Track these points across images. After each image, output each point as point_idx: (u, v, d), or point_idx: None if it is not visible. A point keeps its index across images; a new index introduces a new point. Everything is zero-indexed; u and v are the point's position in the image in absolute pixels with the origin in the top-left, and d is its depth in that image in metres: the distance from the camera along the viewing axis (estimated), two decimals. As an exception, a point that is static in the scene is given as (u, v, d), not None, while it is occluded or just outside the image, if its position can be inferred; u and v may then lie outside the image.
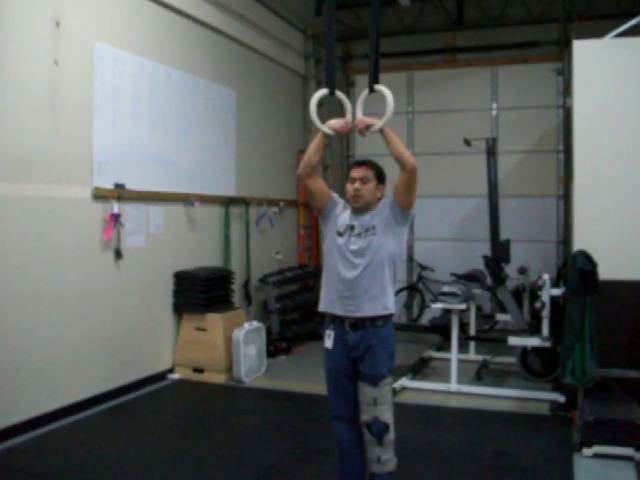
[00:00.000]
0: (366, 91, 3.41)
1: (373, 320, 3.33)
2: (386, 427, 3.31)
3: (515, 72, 9.32)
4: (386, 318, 3.38)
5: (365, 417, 3.33)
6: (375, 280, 3.33)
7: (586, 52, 5.44)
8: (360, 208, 3.41)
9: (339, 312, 3.38)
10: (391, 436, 3.34)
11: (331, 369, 3.46)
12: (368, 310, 3.33)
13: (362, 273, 3.32)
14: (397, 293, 9.49)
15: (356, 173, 3.42)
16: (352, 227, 3.40)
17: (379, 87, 3.35)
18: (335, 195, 3.55)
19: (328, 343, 3.43)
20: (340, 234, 3.41)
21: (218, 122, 7.41)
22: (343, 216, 3.47)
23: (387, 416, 3.34)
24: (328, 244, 3.49)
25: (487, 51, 9.45)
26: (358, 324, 3.34)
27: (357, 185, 3.39)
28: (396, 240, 3.40)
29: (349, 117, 3.46)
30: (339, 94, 3.51)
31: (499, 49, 9.36)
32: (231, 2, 7.45)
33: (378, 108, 3.42)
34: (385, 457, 3.32)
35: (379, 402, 3.31)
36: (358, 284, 3.32)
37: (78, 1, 5.33)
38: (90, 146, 5.46)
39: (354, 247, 3.35)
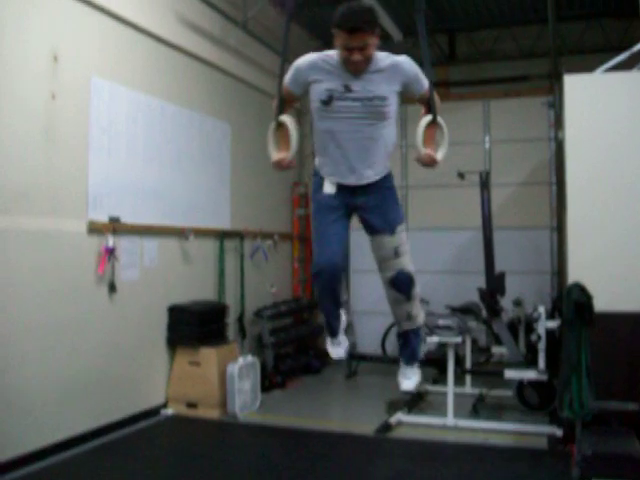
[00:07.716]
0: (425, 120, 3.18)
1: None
2: (411, 279, 3.09)
3: (507, 106, 9.40)
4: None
5: (388, 273, 3.10)
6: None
7: (576, 86, 5.51)
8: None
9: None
10: (417, 289, 3.14)
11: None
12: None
13: None
14: (392, 326, 9.47)
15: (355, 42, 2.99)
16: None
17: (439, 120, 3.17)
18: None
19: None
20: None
21: (213, 156, 7.44)
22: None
23: (411, 267, 3.12)
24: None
25: (479, 85, 9.56)
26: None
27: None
28: None
29: (290, 155, 3.22)
30: (288, 122, 3.23)
31: (491, 83, 9.47)
32: (226, 37, 7.54)
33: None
34: (415, 312, 3.13)
35: (400, 252, 3.09)
36: None
37: (76, 35, 5.38)
38: (85, 179, 5.47)
39: None
